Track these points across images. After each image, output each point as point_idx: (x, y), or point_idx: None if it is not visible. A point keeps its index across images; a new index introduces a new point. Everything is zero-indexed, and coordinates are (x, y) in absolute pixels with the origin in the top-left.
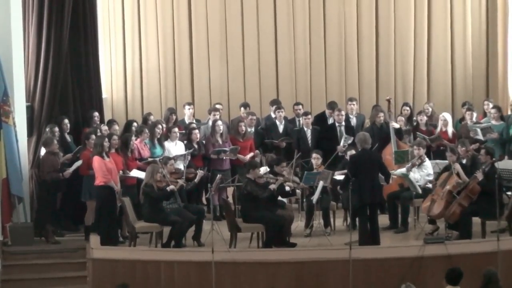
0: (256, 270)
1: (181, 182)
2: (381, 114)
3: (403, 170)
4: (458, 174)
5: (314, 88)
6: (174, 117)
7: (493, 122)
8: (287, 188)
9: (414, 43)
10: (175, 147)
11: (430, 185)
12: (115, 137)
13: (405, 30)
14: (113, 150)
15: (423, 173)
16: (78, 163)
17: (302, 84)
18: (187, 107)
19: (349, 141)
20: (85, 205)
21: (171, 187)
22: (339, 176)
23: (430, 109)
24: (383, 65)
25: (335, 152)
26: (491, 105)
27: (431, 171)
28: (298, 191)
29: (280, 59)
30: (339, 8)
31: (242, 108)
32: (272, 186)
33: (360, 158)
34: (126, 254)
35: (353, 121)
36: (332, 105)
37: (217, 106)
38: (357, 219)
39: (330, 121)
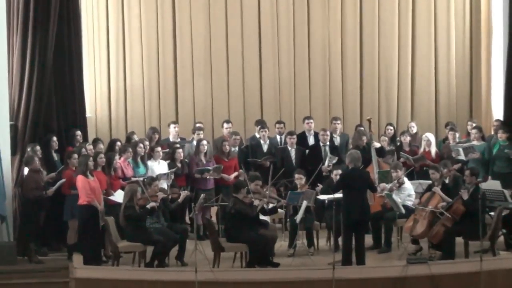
0: None
1: (161, 195)
2: (364, 138)
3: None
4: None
5: (298, 107)
6: (156, 136)
7: (475, 142)
8: (266, 206)
9: (398, 63)
10: (159, 166)
11: (411, 202)
12: (101, 155)
13: (389, 50)
14: (99, 169)
15: (403, 194)
16: (61, 181)
17: (286, 103)
18: (172, 125)
19: (334, 161)
20: (67, 224)
21: (152, 204)
22: (323, 196)
23: (415, 128)
24: (367, 84)
25: (319, 172)
26: (474, 125)
27: (412, 192)
28: (280, 210)
29: (265, 78)
30: (323, 28)
31: (224, 124)
32: (256, 202)
33: (350, 176)
34: (109, 273)
35: (337, 141)
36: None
37: (198, 124)
38: (340, 239)
39: (312, 141)
